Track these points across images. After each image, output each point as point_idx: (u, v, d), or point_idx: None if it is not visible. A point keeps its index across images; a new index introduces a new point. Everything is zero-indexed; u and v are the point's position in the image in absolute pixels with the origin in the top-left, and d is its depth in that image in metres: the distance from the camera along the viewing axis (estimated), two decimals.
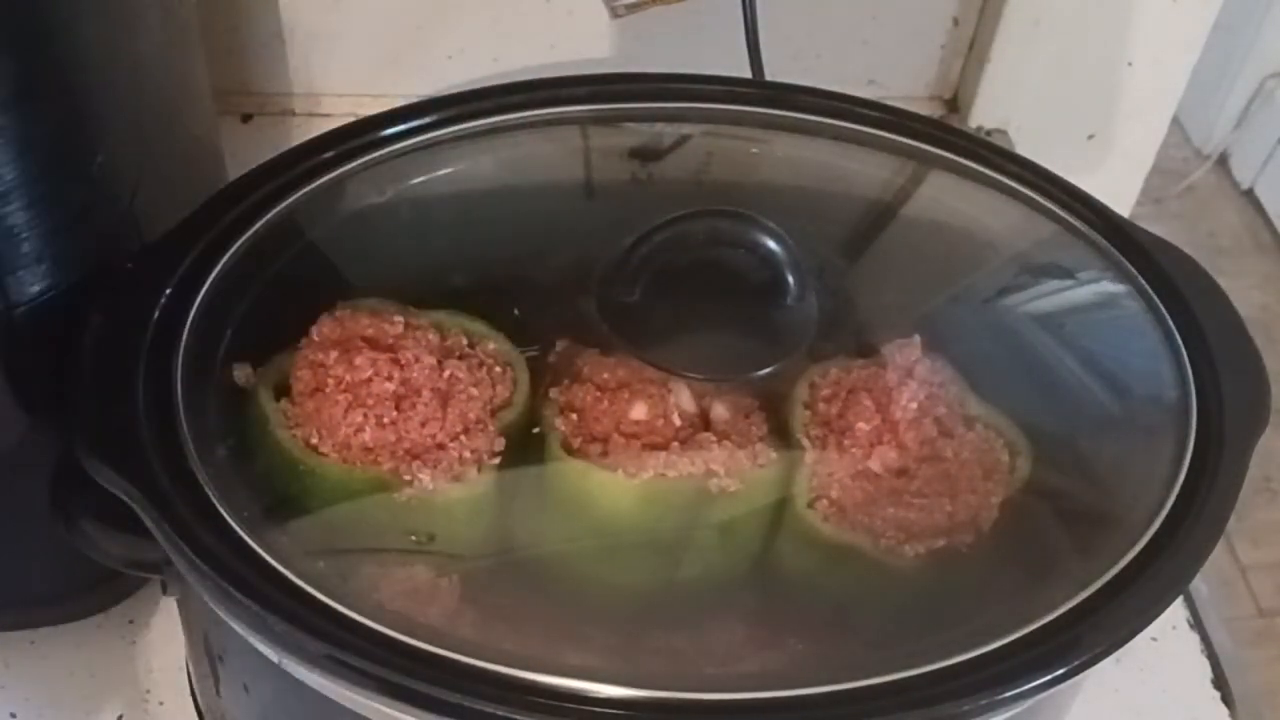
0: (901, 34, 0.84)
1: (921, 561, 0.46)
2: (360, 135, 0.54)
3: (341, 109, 0.82)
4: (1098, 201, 0.55)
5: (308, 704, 0.43)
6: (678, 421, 0.48)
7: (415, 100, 0.56)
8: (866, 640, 0.47)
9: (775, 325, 0.50)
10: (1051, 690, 0.41)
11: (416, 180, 0.56)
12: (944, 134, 0.58)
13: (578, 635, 0.46)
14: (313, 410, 0.47)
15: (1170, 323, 0.51)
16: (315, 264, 0.53)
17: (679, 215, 0.49)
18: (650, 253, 0.49)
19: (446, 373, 0.48)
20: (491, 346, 0.50)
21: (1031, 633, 0.42)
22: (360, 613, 0.41)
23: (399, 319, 0.49)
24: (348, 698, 0.41)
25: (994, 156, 0.57)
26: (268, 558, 0.42)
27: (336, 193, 0.53)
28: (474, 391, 0.48)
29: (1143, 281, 0.52)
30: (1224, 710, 0.61)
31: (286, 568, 0.41)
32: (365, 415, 0.47)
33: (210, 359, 0.48)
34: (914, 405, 0.49)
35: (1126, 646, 0.42)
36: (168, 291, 0.48)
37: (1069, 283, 0.56)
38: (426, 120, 0.55)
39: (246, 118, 0.83)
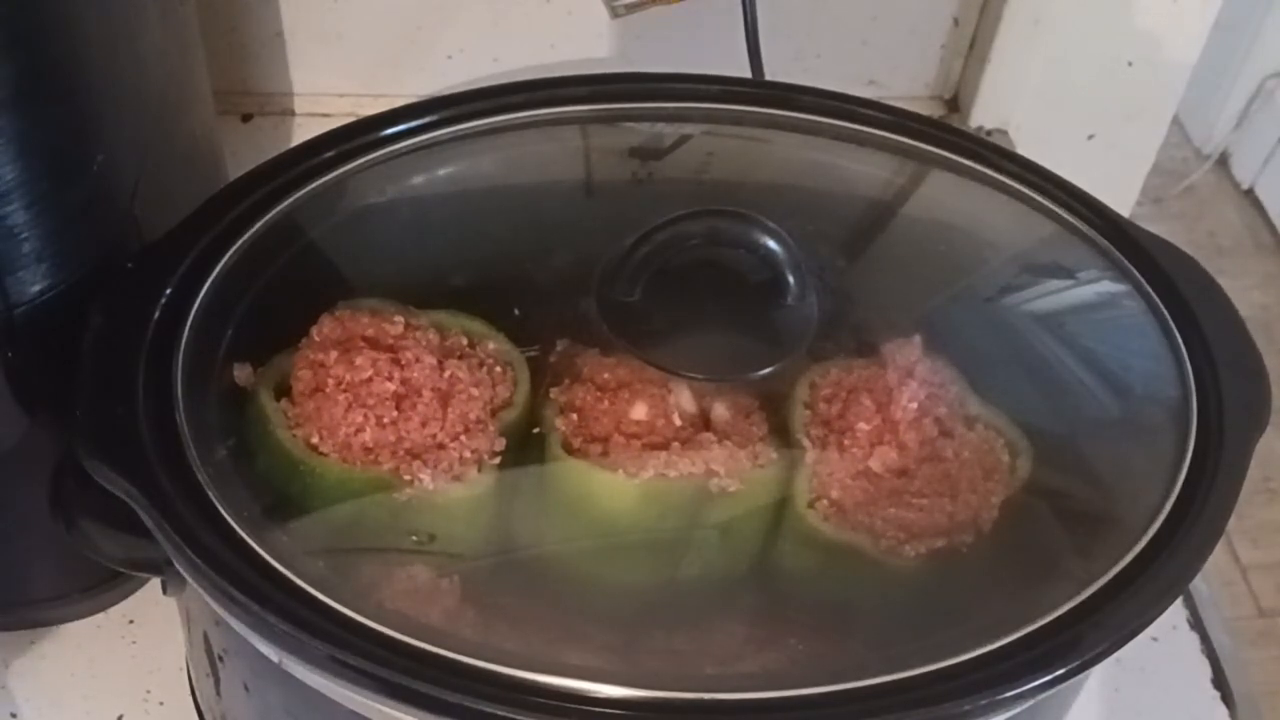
0: (901, 34, 0.84)
1: (922, 561, 0.46)
2: (360, 135, 0.54)
3: (341, 109, 0.82)
4: (1098, 201, 0.55)
5: (308, 704, 0.43)
6: (678, 421, 0.48)
7: (415, 100, 0.56)
8: (866, 640, 0.47)
9: (775, 325, 0.50)
10: (1052, 690, 0.41)
11: (416, 180, 0.56)
12: (944, 134, 0.58)
13: (578, 635, 0.46)
14: (313, 410, 0.47)
15: (1170, 323, 0.51)
16: (315, 264, 0.53)
17: (679, 215, 0.49)
18: (650, 253, 0.49)
19: (447, 373, 0.48)
20: (491, 346, 0.50)
21: (1031, 633, 0.42)
22: (360, 613, 0.41)
23: (399, 319, 0.49)
24: (348, 698, 0.41)
25: (994, 156, 0.57)
26: (268, 558, 0.42)
27: (336, 193, 0.53)
28: (474, 391, 0.48)
29: (1143, 281, 0.52)
30: (1224, 710, 0.61)
31: (286, 568, 0.41)
32: (365, 415, 0.47)
33: (210, 359, 0.48)
34: (914, 405, 0.49)
35: (1126, 646, 0.42)
36: (168, 291, 0.48)
37: (1069, 283, 0.56)
38: (426, 120, 0.55)
39: (246, 118, 0.83)
